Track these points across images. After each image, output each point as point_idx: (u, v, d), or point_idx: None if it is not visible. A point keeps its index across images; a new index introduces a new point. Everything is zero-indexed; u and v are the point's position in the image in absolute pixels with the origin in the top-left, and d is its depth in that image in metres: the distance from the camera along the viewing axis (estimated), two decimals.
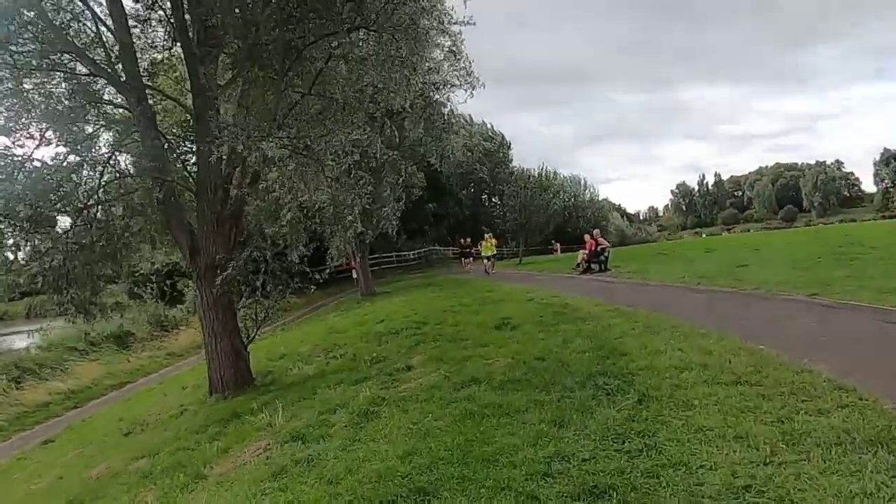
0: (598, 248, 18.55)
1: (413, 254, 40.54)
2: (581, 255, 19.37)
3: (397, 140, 21.15)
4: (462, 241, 32.97)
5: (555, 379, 5.60)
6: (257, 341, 18.67)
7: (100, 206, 9.08)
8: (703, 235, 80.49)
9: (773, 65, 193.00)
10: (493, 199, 54.23)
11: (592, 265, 18.78)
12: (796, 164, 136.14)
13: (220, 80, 9.93)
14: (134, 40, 9.60)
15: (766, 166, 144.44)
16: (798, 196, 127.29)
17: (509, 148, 57.91)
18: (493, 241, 26.41)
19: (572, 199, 58.36)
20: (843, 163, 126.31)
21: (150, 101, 9.99)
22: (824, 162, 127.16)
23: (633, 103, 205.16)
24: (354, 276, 29.46)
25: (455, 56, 20.88)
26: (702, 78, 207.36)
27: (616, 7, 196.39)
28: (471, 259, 30.57)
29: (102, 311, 9.47)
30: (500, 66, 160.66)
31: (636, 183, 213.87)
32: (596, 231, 19.55)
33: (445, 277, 26.49)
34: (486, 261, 25.55)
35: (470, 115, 58.36)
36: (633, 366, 5.72)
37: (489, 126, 58.46)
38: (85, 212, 8.73)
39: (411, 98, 12.83)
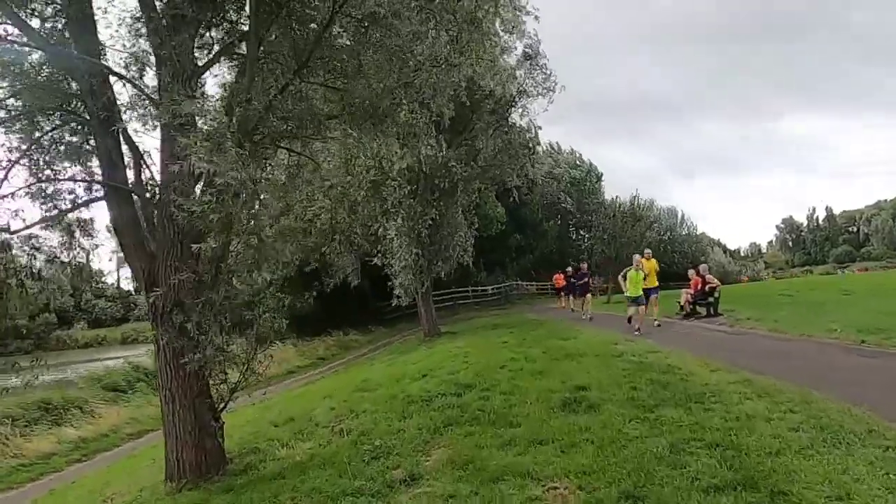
0: (707, 288, 14.96)
1: (492, 289, 37.48)
2: (684, 295, 15.78)
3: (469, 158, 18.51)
4: (572, 267, 23.48)
5: None
6: (287, 390, 16.35)
7: None
8: (845, 272, 71.84)
9: (881, 94, 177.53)
10: (581, 232, 50.56)
11: (698, 308, 15.21)
12: None
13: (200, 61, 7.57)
14: None
15: (886, 200, 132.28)
16: None
17: (599, 178, 54.28)
18: (652, 262, 15.20)
19: (668, 233, 53.69)
20: None
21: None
22: None
23: (727, 134, 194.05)
24: None
25: (530, 60, 18.14)
26: (801, 107, 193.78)
27: (707, 35, 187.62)
28: (586, 297, 19.59)
29: None
30: (585, 97, 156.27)
31: (733, 217, 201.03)
32: (702, 266, 15.98)
33: (522, 317, 23.31)
34: (633, 307, 13.74)
35: (557, 143, 55.50)
36: None
37: (577, 154, 55.17)
38: None
39: (454, 97, 10.17)
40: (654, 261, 15.57)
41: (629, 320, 14.06)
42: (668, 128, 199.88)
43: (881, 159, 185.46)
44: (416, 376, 10.16)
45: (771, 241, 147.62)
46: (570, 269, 23.98)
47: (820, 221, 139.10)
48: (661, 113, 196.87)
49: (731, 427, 4.88)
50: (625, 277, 13.83)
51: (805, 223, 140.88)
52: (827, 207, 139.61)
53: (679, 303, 16.01)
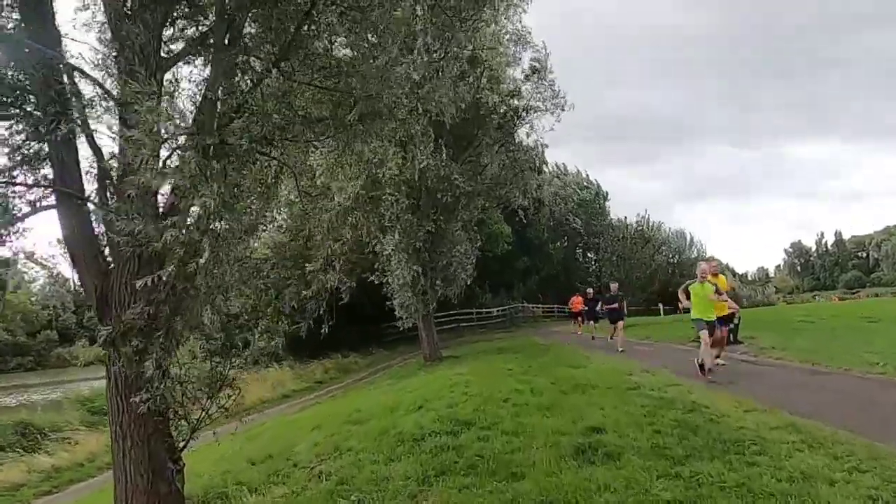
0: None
1: (498, 311, 36.43)
2: None
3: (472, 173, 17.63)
4: (593, 288, 22.35)
5: None
6: (281, 415, 15.40)
7: None
8: (820, 299, 70.91)
9: (884, 120, 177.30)
10: (588, 254, 49.67)
11: None
12: None
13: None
14: None
15: None
16: None
17: (606, 199, 53.50)
18: (722, 279, 11.60)
19: (676, 256, 52.73)
20: None
21: None
22: None
23: (733, 159, 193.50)
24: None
25: (537, 74, 17.44)
26: (807, 134, 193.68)
27: (714, 63, 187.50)
28: (618, 325, 16.30)
29: None
30: (591, 122, 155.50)
31: (740, 242, 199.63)
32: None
33: (528, 341, 22.33)
34: (705, 334, 9.84)
35: (564, 164, 54.90)
36: None
37: (584, 175, 54.44)
38: None
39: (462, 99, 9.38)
40: (723, 277, 11.80)
41: (701, 368, 9.76)
42: (675, 152, 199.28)
43: (891, 184, 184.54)
44: (411, 408, 9.23)
45: (779, 266, 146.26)
46: (590, 290, 21.72)
47: (829, 246, 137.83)
48: (667, 137, 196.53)
49: (788, 491, 3.93)
50: (687, 293, 10.10)
51: (814, 248, 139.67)
52: (836, 232, 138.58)
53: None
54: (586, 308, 21.31)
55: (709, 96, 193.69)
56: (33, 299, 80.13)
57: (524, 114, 18.35)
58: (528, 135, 19.09)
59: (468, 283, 18.95)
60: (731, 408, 6.83)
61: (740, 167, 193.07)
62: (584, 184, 52.95)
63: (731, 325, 13.79)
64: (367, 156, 8.26)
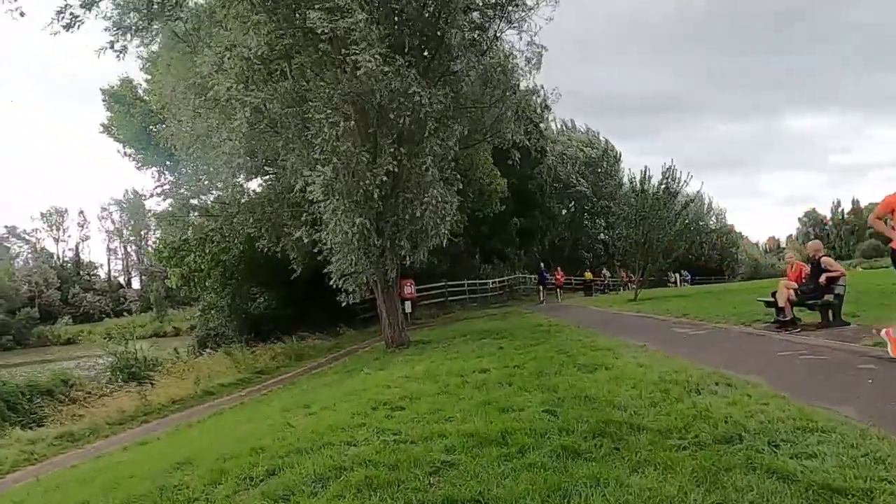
0: (823, 279, 8.94)
1: (494, 282, 31.46)
2: (784, 290, 9.16)
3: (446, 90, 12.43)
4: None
5: None
6: (175, 426, 10.71)
7: None
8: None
9: (886, 90, 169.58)
10: (597, 220, 44.63)
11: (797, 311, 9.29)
12: None
13: None
14: None
15: None
16: None
17: (617, 160, 48.44)
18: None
19: (694, 223, 47.17)
20: None
21: None
22: None
23: (731, 133, 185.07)
24: (408, 309, 21.08)
25: None
26: (806, 105, 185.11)
27: (706, 36, 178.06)
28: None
29: None
30: (584, 99, 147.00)
31: (749, 213, 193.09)
32: (810, 244, 9.90)
33: (523, 320, 17.60)
34: None
35: (571, 120, 49.82)
36: None
37: (593, 132, 49.26)
38: None
39: None
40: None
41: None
42: (673, 127, 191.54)
43: (887, 157, 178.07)
44: (255, 473, 4.42)
45: (791, 235, 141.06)
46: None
47: (845, 215, 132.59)
48: (667, 112, 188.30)
49: None
50: None
51: (829, 216, 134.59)
52: (853, 200, 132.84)
53: (770, 301, 9.96)
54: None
55: (712, 72, 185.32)
56: (14, 275, 76.51)
57: (510, 8, 13.29)
58: (520, 36, 13.90)
59: (443, 242, 13.72)
60: None
61: (739, 141, 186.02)
62: (592, 141, 47.91)
63: (831, 297, 8.96)
64: None
